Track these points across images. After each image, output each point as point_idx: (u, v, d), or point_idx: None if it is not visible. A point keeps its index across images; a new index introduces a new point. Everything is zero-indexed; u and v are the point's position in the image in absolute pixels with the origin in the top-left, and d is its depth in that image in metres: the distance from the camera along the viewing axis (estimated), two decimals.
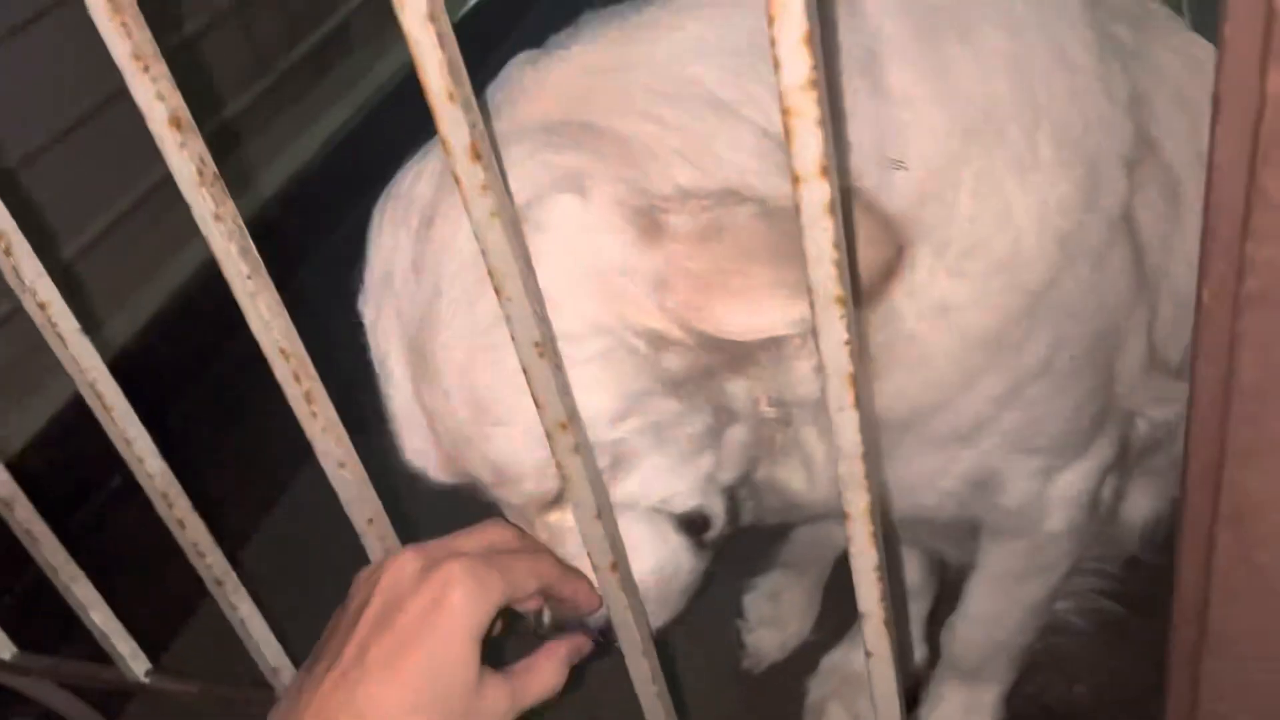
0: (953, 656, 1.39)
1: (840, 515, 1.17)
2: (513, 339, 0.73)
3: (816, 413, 0.98)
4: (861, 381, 0.67)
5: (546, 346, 0.73)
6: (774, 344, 0.85)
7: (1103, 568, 1.41)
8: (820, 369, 0.67)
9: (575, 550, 0.90)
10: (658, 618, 0.97)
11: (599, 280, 0.81)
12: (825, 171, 0.58)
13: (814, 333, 0.65)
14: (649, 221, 0.81)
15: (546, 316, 0.73)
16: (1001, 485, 1.09)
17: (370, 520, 0.91)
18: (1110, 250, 0.97)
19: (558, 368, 0.75)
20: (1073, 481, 1.13)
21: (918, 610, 1.54)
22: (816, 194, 0.59)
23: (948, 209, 0.90)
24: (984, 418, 0.99)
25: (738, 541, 1.08)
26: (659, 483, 0.90)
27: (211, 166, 0.73)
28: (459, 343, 0.83)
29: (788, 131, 0.57)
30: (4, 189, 0.81)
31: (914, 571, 1.51)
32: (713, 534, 0.97)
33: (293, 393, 0.81)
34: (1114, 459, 1.15)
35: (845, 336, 0.64)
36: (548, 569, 0.86)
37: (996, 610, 1.30)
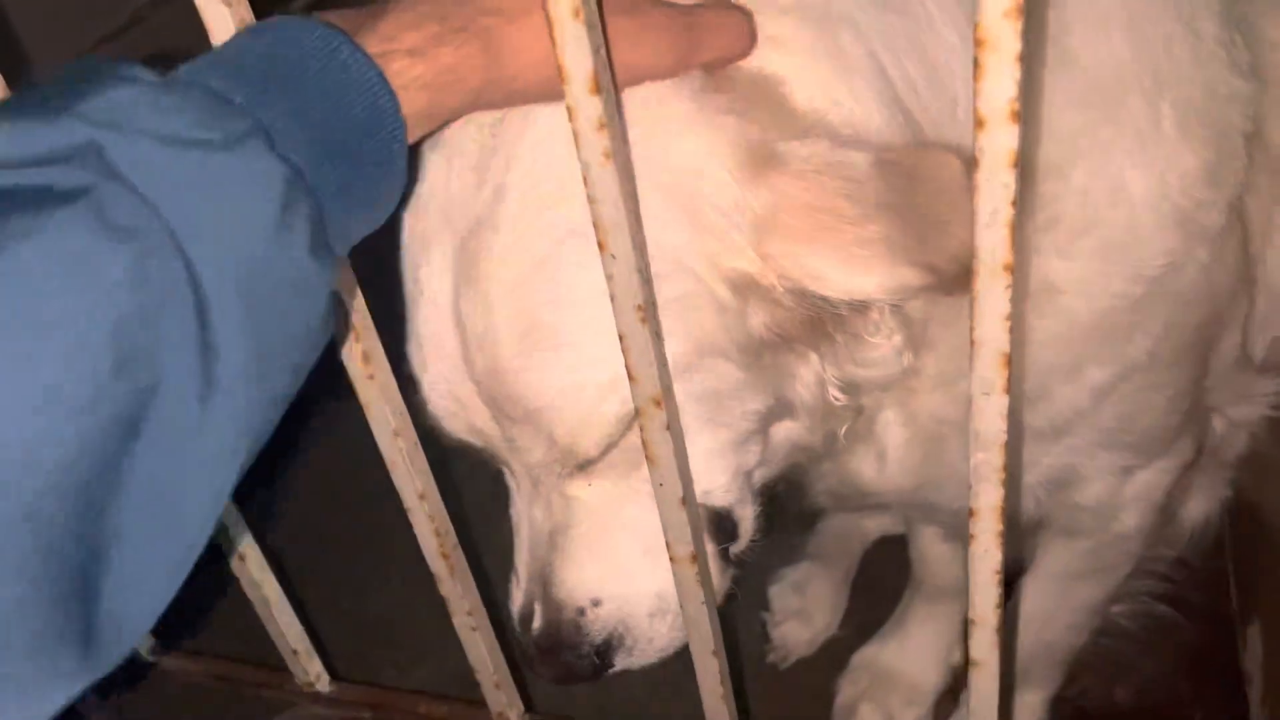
0: None
1: (910, 505, 1.12)
2: (611, 299, 0.65)
3: (902, 396, 0.90)
4: (1016, 362, 0.60)
5: (649, 311, 0.65)
6: (858, 316, 0.77)
7: (1155, 569, 1.35)
8: (970, 344, 0.59)
9: (587, 532, 0.81)
10: (674, 638, 0.85)
11: (695, 211, 0.71)
12: (1016, 115, 0.50)
13: (970, 302, 0.57)
14: (762, 151, 0.71)
15: (651, 278, 0.66)
16: (1080, 482, 1.02)
17: (421, 495, 0.83)
18: (1228, 235, 0.90)
19: (657, 336, 0.67)
20: (1149, 480, 1.06)
21: (958, 608, 1.47)
22: (1002, 140, 0.51)
23: (1063, 182, 0.83)
24: (1082, 410, 0.92)
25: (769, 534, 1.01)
26: (703, 468, 0.80)
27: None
28: (516, 253, 0.72)
29: (978, 66, 0.49)
30: None
31: (956, 567, 1.44)
32: (738, 547, 0.87)
33: (349, 350, 0.73)
34: (1192, 458, 1.09)
35: (1008, 310, 0.57)
36: None
37: (1050, 610, 1.23)
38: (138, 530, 0.52)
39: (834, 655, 1.56)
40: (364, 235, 0.66)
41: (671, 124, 0.71)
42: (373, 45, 0.61)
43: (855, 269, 0.70)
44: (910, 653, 1.48)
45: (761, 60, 0.74)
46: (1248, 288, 1.01)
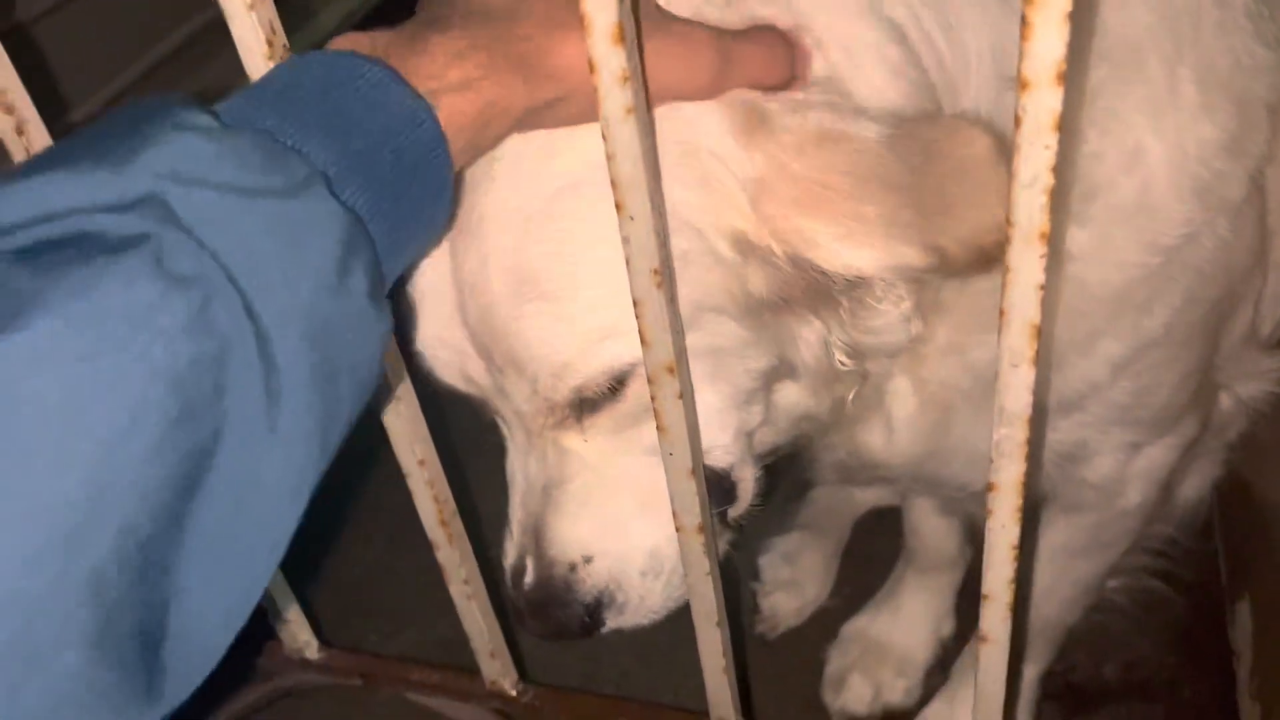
0: None
1: (918, 478, 1.11)
2: (627, 263, 0.63)
3: (911, 364, 0.88)
4: (1046, 334, 0.58)
5: (665, 276, 0.63)
6: (863, 284, 0.75)
7: (1151, 545, 1.34)
8: (1000, 314, 0.57)
9: (582, 487, 0.79)
10: (667, 598, 0.84)
11: (696, 166, 0.69)
12: (1062, 77, 0.48)
13: (1003, 270, 0.56)
14: (752, 110, 0.69)
15: (669, 240, 0.63)
16: (1089, 458, 1.00)
17: (421, 461, 0.81)
18: (1247, 206, 0.88)
19: (672, 301, 0.65)
20: (1155, 457, 1.05)
21: (951, 581, 1.47)
22: (1046, 103, 0.49)
23: (1075, 144, 0.80)
24: (1096, 385, 0.90)
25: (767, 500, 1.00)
26: (704, 425, 0.78)
27: (282, 36, 0.62)
28: (512, 205, 0.70)
29: (1026, 24, 0.47)
30: (15, 49, 0.68)
31: (951, 540, 1.43)
32: (736, 511, 0.85)
33: None
34: (1197, 435, 1.08)
35: (1041, 280, 0.55)
36: None
37: (1048, 586, 1.22)
38: (198, 582, 0.51)
39: (823, 625, 1.55)
40: (410, 264, 0.66)
41: None
42: (420, 82, 0.60)
43: (851, 243, 0.68)
44: (902, 625, 1.47)
45: (778, 18, 0.72)
46: (1261, 264, 0.99)
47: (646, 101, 0.57)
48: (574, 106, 0.64)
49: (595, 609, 0.81)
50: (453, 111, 0.61)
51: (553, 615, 0.81)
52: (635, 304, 0.64)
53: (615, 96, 0.55)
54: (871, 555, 1.58)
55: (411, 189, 0.60)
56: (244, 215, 0.51)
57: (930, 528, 1.41)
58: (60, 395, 0.45)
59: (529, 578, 0.81)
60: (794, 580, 1.58)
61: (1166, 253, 0.85)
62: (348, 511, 1.64)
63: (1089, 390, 0.92)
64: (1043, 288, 0.55)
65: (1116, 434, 0.99)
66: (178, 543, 0.49)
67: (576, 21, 0.59)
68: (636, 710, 1.04)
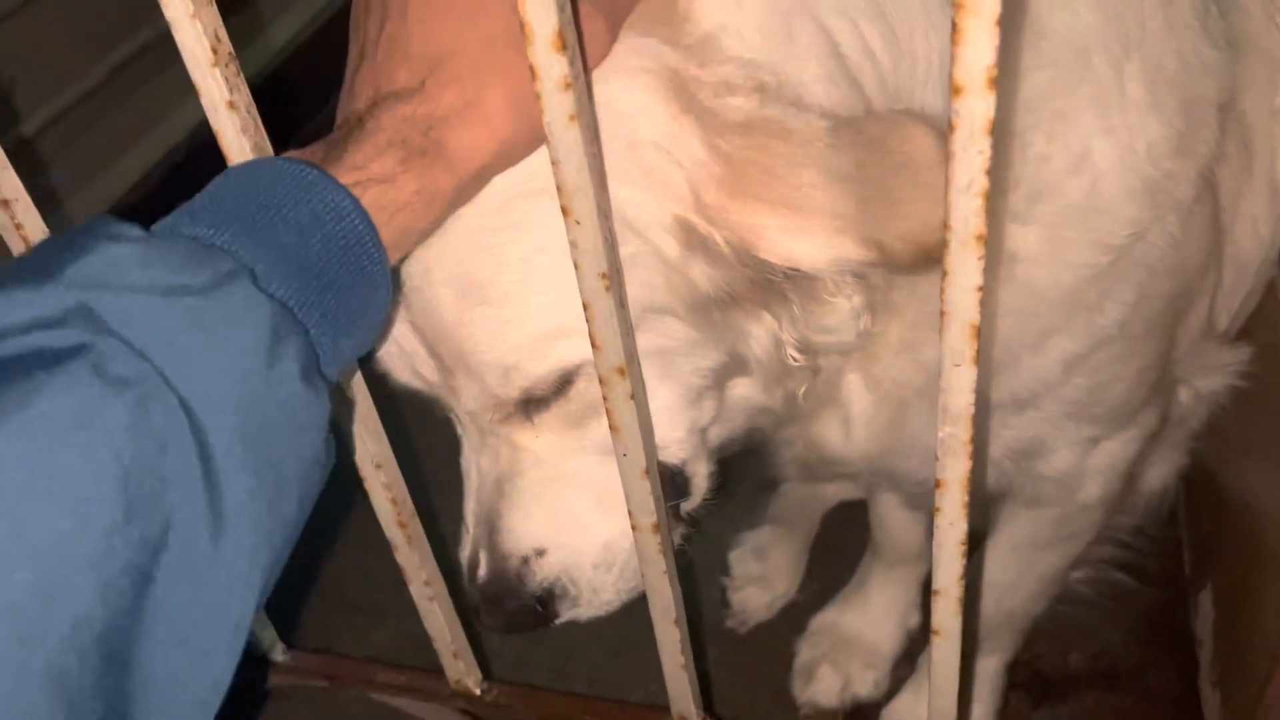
0: None
1: (877, 473, 1.12)
2: (575, 267, 0.63)
3: (865, 362, 0.89)
4: (986, 334, 0.59)
5: (614, 278, 0.64)
6: (809, 278, 0.75)
7: (1115, 536, 1.36)
8: (941, 315, 0.58)
9: (534, 481, 0.80)
10: (619, 591, 0.85)
11: (638, 159, 0.70)
12: (993, 83, 0.49)
13: (942, 272, 0.56)
14: (681, 86, 0.70)
15: (616, 244, 0.64)
16: (1045, 453, 1.01)
17: (378, 464, 0.81)
18: (1198, 205, 0.89)
19: (621, 304, 0.66)
20: (1113, 450, 1.06)
21: (916, 574, 1.48)
22: (979, 108, 0.50)
23: (1021, 147, 0.81)
24: (1049, 383, 0.91)
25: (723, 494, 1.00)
26: (656, 423, 0.78)
27: (227, 44, 0.61)
28: (460, 216, 0.70)
29: (957, 30, 0.48)
30: None
31: (915, 533, 1.44)
32: (690, 505, 0.86)
33: None
34: (1156, 429, 1.09)
35: (979, 281, 0.56)
36: None
37: (1012, 579, 1.24)
38: (161, 675, 0.52)
39: (792, 619, 1.56)
40: (357, 355, 0.68)
41: (606, 70, 0.69)
42: (345, 176, 0.62)
43: (793, 235, 0.69)
44: (870, 617, 1.49)
45: (702, 15, 0.72)
46: (1216, 260, 1.00)
47: (590, 107, 0.58)
48: (501, 166, 0.66)
49: (547, 601, 0.82)
50: (380, 201, 0.62)
51: (506, 608, 0.83)
52: (585, 308, 0.64)
53: (557, 103, 0.55)
54: (840, 549, 1.60)
55: (343, 276, 0.61)
56: (169, 314, 0.53)
57: (895, 522, 1.42)
58: (5, 500, 0.46)
59: (483, 571, 0.82)
60: (764, 575, 1.59)
61: (1116, 252, 0.86)
62: (319, 510, 1.64)
63: (1042, 388, 0.93)
64: (981, 289, 0.56)
65: (1072, 429, 1.00)
66: (137, 635, 0.50)
67: (490, 81, 0.62)
68: (601, 708, 1.04)
